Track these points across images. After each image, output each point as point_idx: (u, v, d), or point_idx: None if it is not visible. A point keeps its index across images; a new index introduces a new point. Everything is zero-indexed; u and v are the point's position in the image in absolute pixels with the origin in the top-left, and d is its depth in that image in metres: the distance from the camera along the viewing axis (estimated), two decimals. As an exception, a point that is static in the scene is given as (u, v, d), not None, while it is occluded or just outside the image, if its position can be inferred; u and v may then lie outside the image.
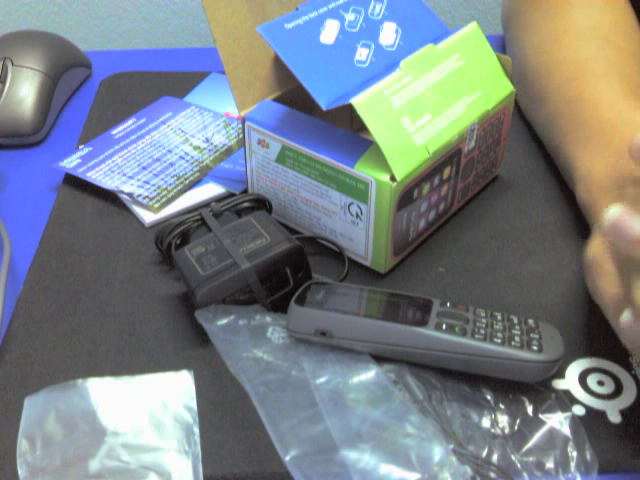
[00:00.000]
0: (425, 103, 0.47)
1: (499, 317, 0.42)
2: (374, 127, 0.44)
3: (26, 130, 0.62)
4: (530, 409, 0.40)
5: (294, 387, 0.40)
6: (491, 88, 0.51)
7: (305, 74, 0.47)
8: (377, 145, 0.44)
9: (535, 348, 0.39)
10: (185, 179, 0.57)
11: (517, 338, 0.40)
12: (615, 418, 0.40)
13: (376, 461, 0.36)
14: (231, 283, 0.43)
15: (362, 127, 0.56)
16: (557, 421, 0.39)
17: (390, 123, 0.45)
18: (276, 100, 0.51)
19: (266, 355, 0.41)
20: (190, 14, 0.96)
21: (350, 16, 0.50)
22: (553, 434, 0.38)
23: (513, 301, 0.47)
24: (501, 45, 0.74)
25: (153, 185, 0.56)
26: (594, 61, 0.55)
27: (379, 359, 0.41)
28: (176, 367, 0.43)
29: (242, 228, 0.46)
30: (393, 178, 0.44)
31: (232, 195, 0.56)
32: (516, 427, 0.39)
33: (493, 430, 0.39)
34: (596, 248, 0.40)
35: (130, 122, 0.63)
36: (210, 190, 0.56)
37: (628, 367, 0.43)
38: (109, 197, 0.56)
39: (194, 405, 0.41)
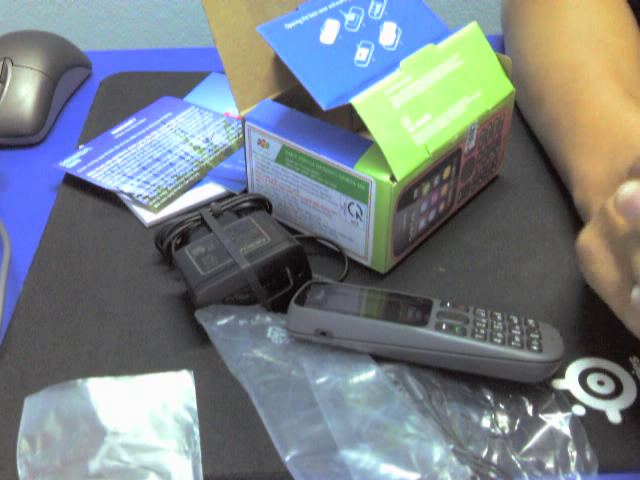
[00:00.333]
0: (425, 103, 0.47)
1: (499, 317, 0.42)
2: (374, 127, 0.44)
3: (26, 130, 0.62)
4: (530, 409, 0.40)
5: (294, 387, 0.39)
6: (491, 88, 0.51)
7: (305, 74, 0.47)
8: (377, 145, 0.44)
9: (535, 348, 0.39)
10: (185, 179, 0.57)
11: (517, 338, 0.40)
12: (615, 418, 0.40)
13: (376, 461, 0.36)
14: (231, 283, 0.43)
15: (362, 127, 0.56)
16: (557, 421, 0.39)
17: (390, 123, 0.45)
18: (276, 100, 0.51)
19: (266, 355, 0.41)
20: (190, 14, 0.96)
21: (350, 16, 0.50)
22: (553, 434, 0.38)
23: (513, 301, 0.47)
24: (501, 45, 0.74)
25: (153, 185, 0.56)
26: (590, 63, 0.55)
27: (379, 359, 0.41)
28: (176, 367, 0.43)
29: (242, 228, 0.46)
30: (393, 178, 0.44)
31: (232, 195, 0.56)
32: (516, 427, 0.39)
33: (493, 430, 0.39)
34: (588, 236, 0.40)
35: (130, 122, 0.63)
36: (210, 190, 0.56)
37: (628, 367, 0.43)
38: (109, 197, 0.56)
39: (194, 405, 0.41)
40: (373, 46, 0.50)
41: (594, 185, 0.48)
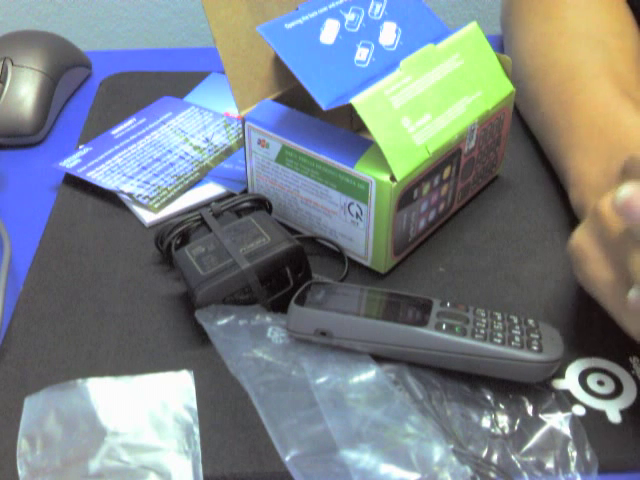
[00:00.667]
0: (425, 103, 0.47)
1: (499, 317, 0.42)
2: (374, 127, 0.44)
3: (26, 130, 0.62)
4: (530, 409, 0.40)
5: (294, 387, 0.39)
6: (491, 88, 0.51)
7: (305, 74, 0.47)
8: (377, 145, 0.44)
9: (535, 348, 0.39)
10: (185, 179, 0.57)
11: (517, 338, 0.40)
12: (615, 418, 0.40)
13: (376, 461, 0.36)
14: (231, 283, 0.43)
15: (362, 127, 0.56)
16: (557, 421, 0.39)
17: (390, 123, 0.45)
18: (276, 100, 0.51)
19: (266, 355, 0.41)
20: (190, 14, 0.96)
21: (350, 16, 0.50)
22: (553, 434, 0.38)
23: (513, 301, 0.47)
24: (501, 45, 0.74)
25: (153, 185, 0.56)
26: (587, 63, 0.55)
27: (379, 359, 0.41)
28: (176, 367, 0.43)
29: (242, 228, 0.46)
30: (393, 178, 0.44)
31: (232, 195, 0.56)
32: (516, 427, 0.39)
33: (493, 430, 0.39)
34: (581, 236, 0.40)
35: (130, 122, 0.63)
36: (210, 190, 0.56)
37: (628, 367, 0.43)
38: (109, 197, 0.56)
39: (194, 405, 0.41)
40: (373, 46, 0.50)
41: (590, 185, 0.48)
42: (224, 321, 0.42)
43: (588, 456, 0.37)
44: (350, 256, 0.50)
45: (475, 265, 0.50)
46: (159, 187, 0.56)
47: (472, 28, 0.52)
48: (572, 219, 0.53)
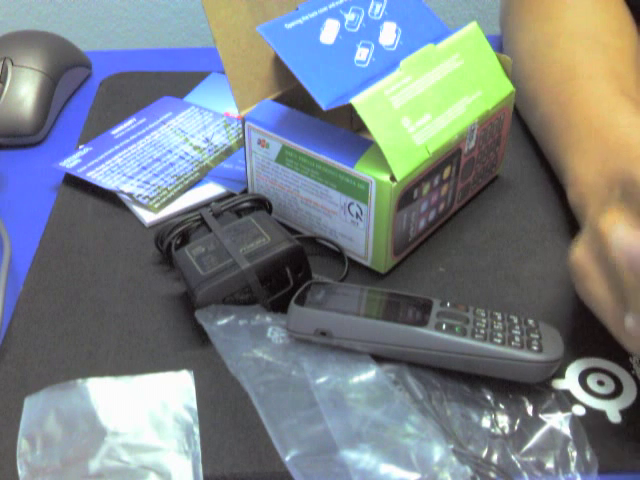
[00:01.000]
0: (425, 103, 0.47)
1: (499, 317, 0.42)
2: (374, 127, 0.44)
3: (26, 130, 0.62)
4: (530, 409, 0.40)
5: (294, 387, 0.39)
6: (491, 88, 0.51)
7: (305, 74, 0.47)
8: (377, 145, 0.44)
9: (535, 348, 0.39)
10: (185, 179, 0.57)
11: (517, 338, 0.40)
12: (615, 418, 0.40)
13: (376, 461, 0.36)
14: (231, 283, 0.43)
15: (362, 127, 0.56)
16: (557, 421, 0.39)
17: (390, 123, 0.45)
18: (276, 100, 0.51)
19: (266, 355, 0.41)
20: (190, 14, 0.96)
21: (350, 16, 0.50)
22: (553, 434, 0.38)
23: (513, 301, 0.47)
24: (501, 45, 0.74)
25: (153, 185, 0.56)
26: (585, 63, 0.55)
27: (379, 359, 0.41)
28: (176, 367, 0.43)
29: (242, 228, 0.46)
30: (393, 178, 0.44)
31: (232, 195, 0.56)
32: (516, 427, 0.39)
33: (493, 430, 0.39)
34: (580, 253, 0.40)
35: (130, 122, 0.63)
36: (210, 190, 0.56)
37: (628, 367, 0.43)
38: (109, 197, 0.56)
39: (194, 405, 0.41)
40: (373, 46, 0.50)
41: (587, 185, 0.48)
42: (224, 321, 0.42)
43: (588, 456, 0.37)
44: (350, 256, 0.50)
45: (475, 265, 0.50)
46: (159, 187, 0.56)
47: (472, 28, 0.52)
48: (572, 219, 0.53)
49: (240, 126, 0.62)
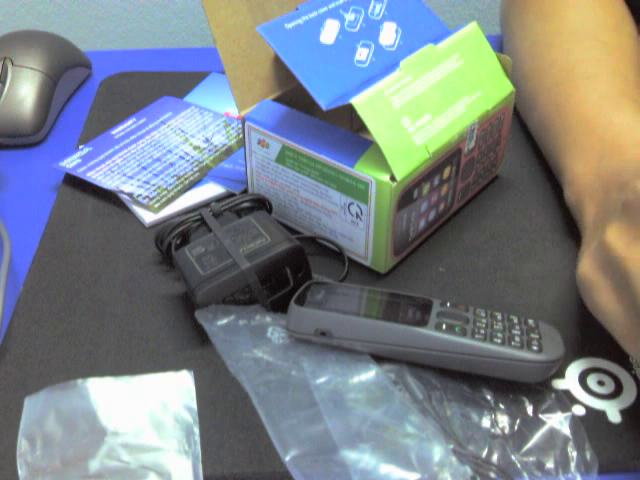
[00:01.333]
0: (425, 103, 0.47)
1: (499, 317, 0.42)
2: (374, 127, 0.44)
3: (26, 130, 0.62)
4: (530, 409, 0.40)
5: (294, 387, 0.39)
6: (491, 88, 0.51)
7: (305, 74, 0.47)
8: (377, 145, 0.44)
9: (535, 348, 0.39)
10: (185, 179, 0.57)
11: (517, 338, 0.40)
12: (615, 418, 0.40)
13: (376, 461, 0.36)
14: (231, 283, 0.43)
15: (362, 127, 0.56)
16: (557, 421, 0.39)
17: (390, 123, 0.45)
18: (276, 100, 0.51)
19: (266, 355, 0.41)
20: (190, 14, 0.96)
21: (350, 16, 0.50)
22: (553, 434, 0.38)
23: (513, 301, 0.47)
24: (501, 45, 0.74)
25: (153, 185, 0.56)
26: (583, 62, 0.55)
27: (379, 359, 0.41)
28: (176, 367, 0.43)
29: (242, 228, 0.46)
30: (393, 178, 0.44)
31: (232, 195, 0.56)
32: (516, 427, 0.39)
33: (493, 430, 0.39)
34: (588, 266, 0.40)
35: (130, 122, 0.63)
36: (210, 190, 0.56)
37: (628, 367, 0.43)
38: (109, 197, 0.56)
39: (194, 405, 0.41)
40: (373, 46, 0.50)
41: (584, 185, 0.48)
42: (224, 321, 0.42)
43: (588, 456, 0.37)
44: (350, 256, 0.50)
45: (475, 265, 0.50)
46: (159, 187, 0.56)
47: (472, 28, 0.52)
48: (572, 219, 0.53)
49: (240, 126, 0.62)
